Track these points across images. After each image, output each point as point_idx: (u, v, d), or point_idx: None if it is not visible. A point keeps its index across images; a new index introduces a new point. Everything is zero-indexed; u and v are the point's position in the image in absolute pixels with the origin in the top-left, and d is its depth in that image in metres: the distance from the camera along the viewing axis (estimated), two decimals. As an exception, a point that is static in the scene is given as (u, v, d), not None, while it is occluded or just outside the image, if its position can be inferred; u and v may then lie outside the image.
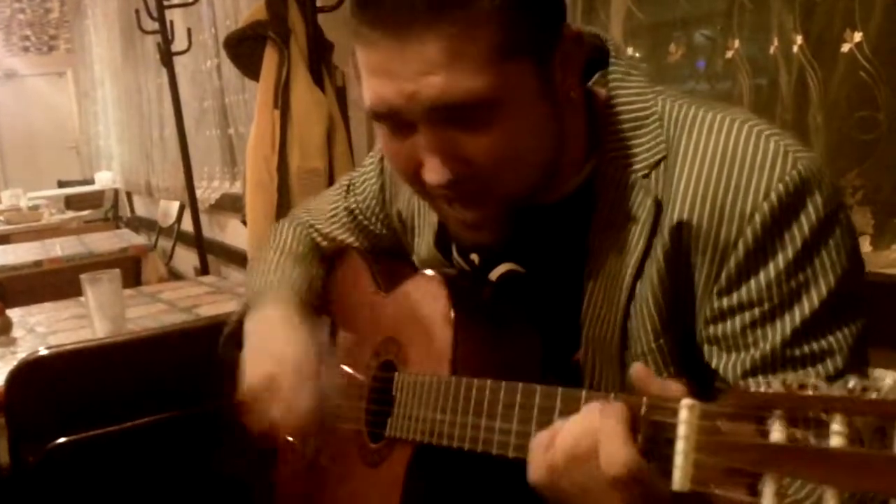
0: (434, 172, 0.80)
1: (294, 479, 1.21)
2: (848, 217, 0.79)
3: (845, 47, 1.35)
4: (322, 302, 1.22)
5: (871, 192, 1.36)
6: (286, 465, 1.24)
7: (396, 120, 0.81)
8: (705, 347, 0.83)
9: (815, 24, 1.41)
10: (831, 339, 0.77)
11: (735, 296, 0.79)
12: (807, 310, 0.77)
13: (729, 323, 0.80)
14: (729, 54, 1.59)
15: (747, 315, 0.79)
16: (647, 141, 0.85)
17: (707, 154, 0.80)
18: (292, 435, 1.02)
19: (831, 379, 0.74)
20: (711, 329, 0.82)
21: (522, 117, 0.79)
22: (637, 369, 0.68)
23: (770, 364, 0.78)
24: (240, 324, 1.15)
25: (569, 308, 0.90)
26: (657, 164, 0.83)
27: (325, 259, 1.25)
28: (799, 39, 1.43)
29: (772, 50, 1.49)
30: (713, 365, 0.82)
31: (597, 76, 0.92)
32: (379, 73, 0.79)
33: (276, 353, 1.05)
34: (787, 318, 0.77)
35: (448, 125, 0.78)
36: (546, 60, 0.79)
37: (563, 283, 0.90)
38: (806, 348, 0.77)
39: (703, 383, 0.84)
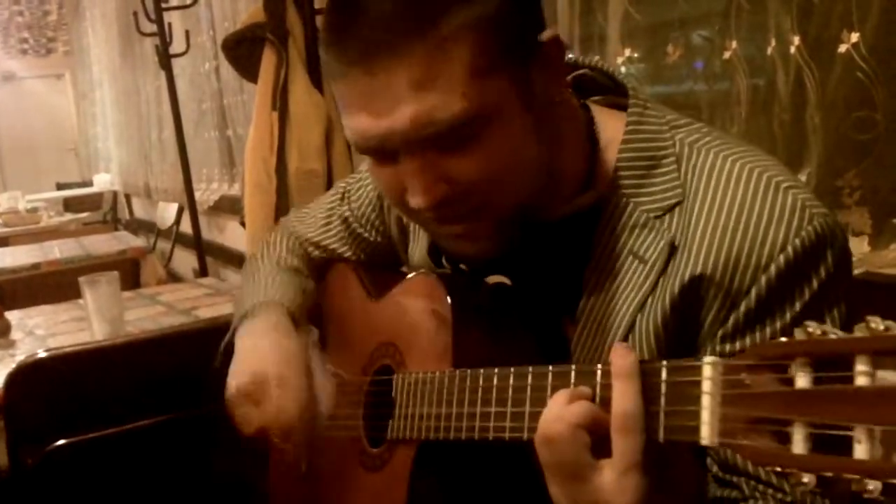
0: (418, 198, 0.79)
1: (290, 491, 1.20)
2: (851, 268, 0.81)
3: (842, 48, 1.35)
4: (315, 312, 1.21)
5: (868, 193, 1.36)
6: (280, 475, 1.23)
7: (378, 151, 0.81)
8: None
9: (812, 25, 1.41)
10: None
11: (738, 343, 0.80)
12: None
13: None
14: (727, 55, 1.59)
15: None
16: (661, 182, 0.84)
17: (725, 204, 0.80)
18: (280, 439, 1.01)
19: None
20: None
21: (505, 132, 0.78)
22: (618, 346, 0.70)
23: None
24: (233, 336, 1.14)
25: (552, 330, 0.90)
26: (672, 207, 0.83)
27: (317, 270, 1.25)
28: (796, 40, 1.43)
29: (769, 50, 1.49)
30: None
31: (598, 98, 0.92)
32: (353, 108, 0.78)
33: (262, 357, 1.04)
34: None
35: (428, 150, 0.77)
36: (524, 71, 0.78)
37: (552, 304, 0.90)
38: None
39: None
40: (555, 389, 0.74)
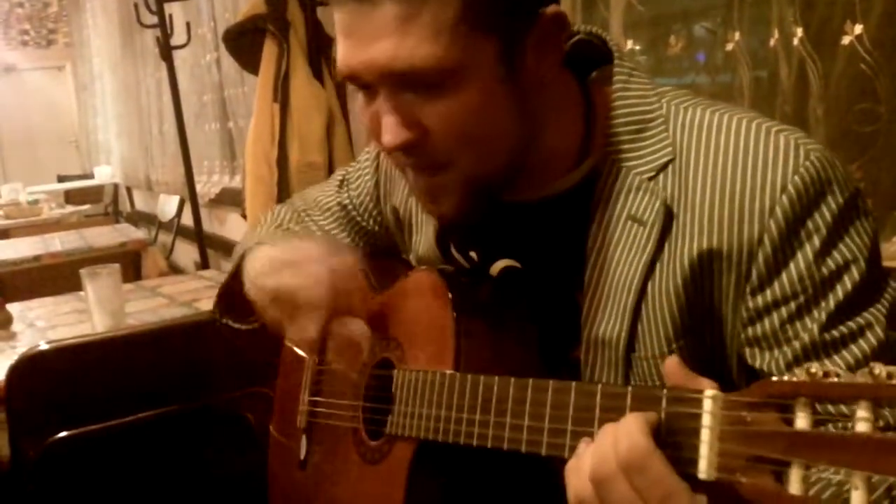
0: (388, 134, 0.81)
1: (288, 477, 1.20)
2: (864, 200, 0.80)
3: (846, 39, 1.34)
4: None
5: (871, 185, 1.36)
6: (279, 462, 1.24)
7: (360, 83, 0.82)
8: (746, 350, 0.83)
9: (815, 17, 1.40)
10: (866, 314, 0.77)
11: (769, 292, 0.79)
12: (840, 294, 0.77)
13: (767, 321, 0.80)
14: (729, 47, 1.59)
15: (784, 310, 0.79)
16: (651, 143, 0.84)
17: (718, 156, 0.80)
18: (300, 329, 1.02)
19: (875, 351, 0.76)
20: (750, 331, 0.81)
21: (479, 93, 0.78)
22: (671, 363, 0.69)
23: (812, 352, 0.78)
24: (234, 277, 1.13)
25: (567, 305, 0.89)
26: (664, 166, 0.83)
27: None
28: (799, 32, 1.42)
29: (772, 42, 1.49)
30: (756, 365, 0.82)
31: (594, 74, 0.92)
32: (343, 36, 0.80)
33: (292, 253, 1.04)
34: (823, 304, 0.77)
35: (404, 90, 0.79)
36: (516, 42, 0.79)
37: (561, 280, 0.90)
38: (843, 329, 0.77)
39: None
40: (554, 404, 0.74)
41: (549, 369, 0.91)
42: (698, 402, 0.62)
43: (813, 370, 0.55)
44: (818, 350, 0.78)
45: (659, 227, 0.82)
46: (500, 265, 0.97)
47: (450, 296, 0.92)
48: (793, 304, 0.78)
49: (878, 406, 0.52)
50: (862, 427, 0.52)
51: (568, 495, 0.71)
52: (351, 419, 1.06)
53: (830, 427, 0.55)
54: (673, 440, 0.64)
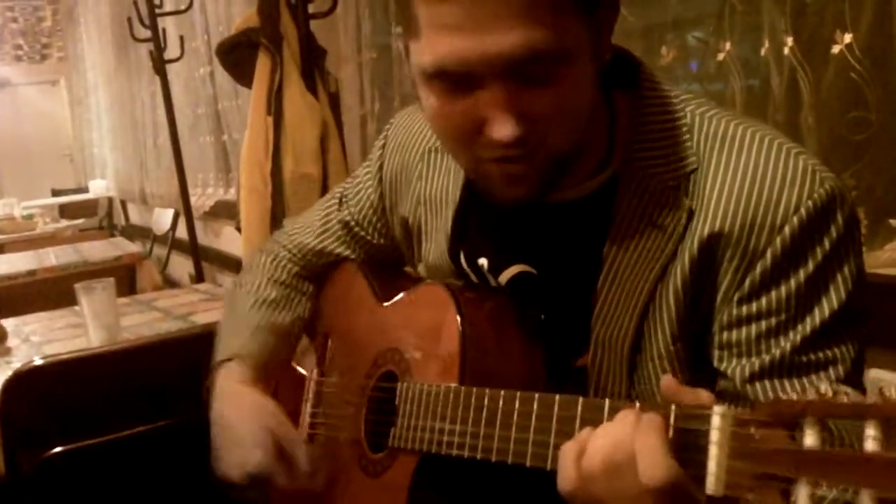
0: (505, 128, 0.78)
1: (290, 491, 1.20)
2: (860, 234, 0.83)
3: (836, 48, 1.35)
4: (314, 318, 1.22)
5: (863, 193, 1.36)
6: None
7: (464, 76, 0.78)
8: (716, 352, 0.85)
9: (805, 26, 1.41)
10: (836, 349, 0.81)
11: (755, 304, 0.81)
12: (817, 320, 0.80)
13: (744, 330, 0.83)
14: (721, 56, 1.59)
15: (763, 323, 0.82)
16: (676, 151, 0.86)
17: (738, 169, 0.82)
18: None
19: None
20: (725, 335, 0.84)
21: (580, 74, 0.79)
22: (667, 381, 0.70)
23: (777, 369, 0.81)
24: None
25: (579, 309, 0.90)
26: (688, 175, 0.84)
27: (317, 278, 1.24)
28: (790, 41, 1.43)
29: (763, 51, 1.49)
30: (721, 367, 0.85)
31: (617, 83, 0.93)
32: (451, 28, 0.76)
33: (247, 438, 1.06)
34: (800, 327, 0.80)
35: (517, 80, 0.77)
36: (597, 23, 0.81)
37: (575, 284, 0.91)
38: (812, 356, 0.80)
39: (712, 387, 0.85)
40: (560, 418, 0.75)
41: (555, 377, 0.91)
42: (707, 419, 0.63)
43: (822, 390, 0.56)
44: (783, 369, 0.81)
45: (679, 235, 0.83)
46: (513, 270, 0.97)
47: (456, 311, 0.92)
48: (773, 320, 0.81)
49: (887, 425, 0.52)
50: (871, 446, 0.52)
51: (561, 478, 0.71)
52: (353, 431, 1.06)
53: (845, 442, 0.55)
54: (681, 456, 0.65)
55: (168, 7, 3.81)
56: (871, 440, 0.52)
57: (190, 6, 3.77)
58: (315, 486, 1.05)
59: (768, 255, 0.80)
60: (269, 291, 1.22)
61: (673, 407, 0.67)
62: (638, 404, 0.70)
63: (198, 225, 4.04)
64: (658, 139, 0.87)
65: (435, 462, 0.91)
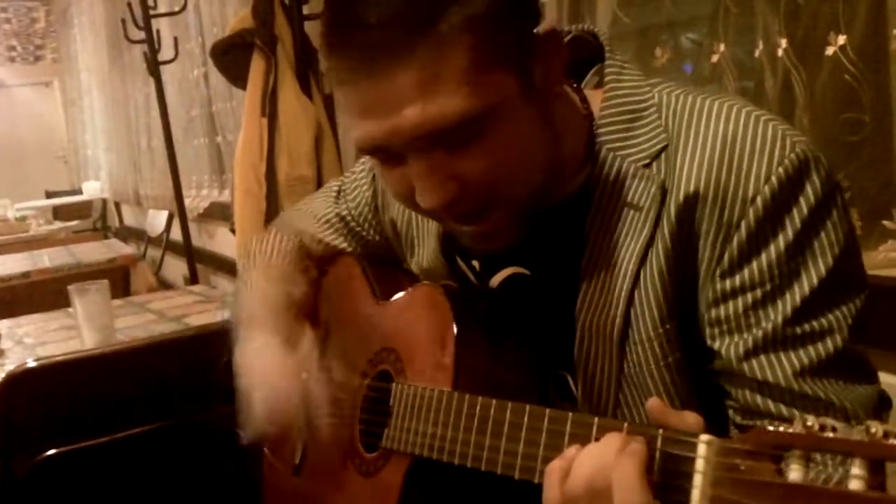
0: (427, 197, 0.80)
1: (282, 484, 1.20)
2: (843, 197, 0.81)
3: (829, 50, 1.35)
4: (313, 307, 1.21)
5: (857, 194, 1.37)
6: (274, 473, 1.23)
7: (385, 153, 0.81)
8: (707, 330, 0.85)
9: (799, 28, 1.41)
10: (831, 317, 0.79)
11: (737, 277, 0.81)
12: (806, 289, 0.79)
13: (731, 304, 0.82)
14: (715, 58, 1.60)
15: (749, 296, 0.81)
16: (646, 132, 0.86)
17: (708, 140, 0.82)
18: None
19: (830, 358, 0.78)
20: (713, 312, 0.83)
21: (511, 125, 0.78)
22: (653, 403, 0.69)
23: (771, 343, 0.80)
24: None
25: (570, 304, 0.90)
26: (658, 153, 0.84)
27: (318, 264, 1.24)
28: (784, 42, 1.43)
29: (757, 53, 1.50)
30: (715, 347, 0.84)
31: (591, 74, 0.93)
32: (357, 112, 0.79)
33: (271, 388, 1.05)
34: (788, 297, 0.79)
35: (435, 149, 0.78)
36: (524, 64, 0.79)
37: (566, 280, 0.91)
38: (807, 326, 0.79)
39: (706, 365, 0.85)
40: (550, 432, 0.75)
41: (543, 386, 0.92)
42: (693, 446, 0.63)
43: (809, 423, 0.55)
44: (777, 342, 0.80)
45: (655, 212, 0.83)
46: (506, 272, 0.97)
47: (451, 313, 0.92)
48: (759, 292, 0.80)
49: (872, 464, 0.52)
50: (855, 485, 0.52)
51: (545, 497, 0.72)
52: (347, 429, 1.06)
53: (829, 478, 0.55)
54: (664, 481, 0.65)
55: (162, 8, 3.80)
56: (855, 480, 0.52)
57: (184, 7, 3.76)
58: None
59: (742, 226, 0.79)
60: (279, 260, 1.22)
61: (660, 431, 0.66)
62: (626, 426, 0.69)
63: (192, 227, 4.03)
64: (626, 121, 0.87)
65: (427, 464, 0.91)
